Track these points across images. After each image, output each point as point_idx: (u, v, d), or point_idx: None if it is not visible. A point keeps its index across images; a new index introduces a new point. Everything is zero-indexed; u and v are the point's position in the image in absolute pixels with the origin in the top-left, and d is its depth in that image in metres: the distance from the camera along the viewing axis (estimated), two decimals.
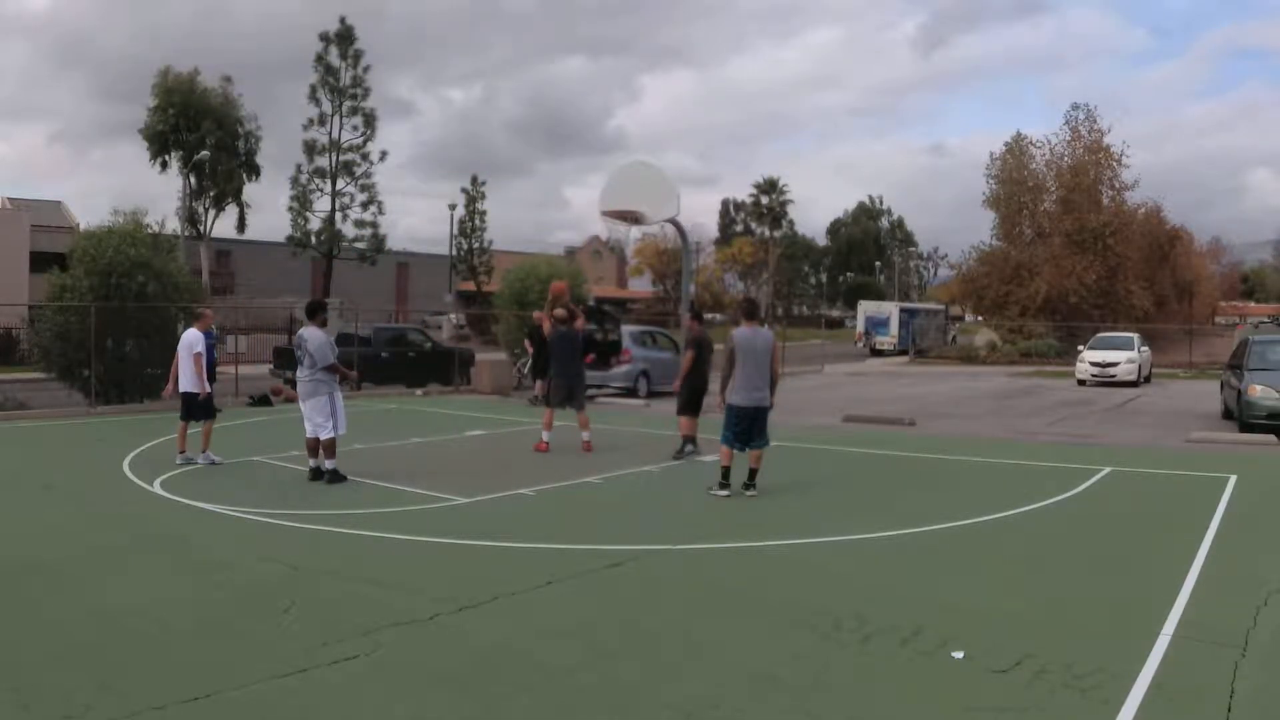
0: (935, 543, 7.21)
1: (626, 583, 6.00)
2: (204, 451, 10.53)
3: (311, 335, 9.35)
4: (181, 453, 10.45)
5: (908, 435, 14.24)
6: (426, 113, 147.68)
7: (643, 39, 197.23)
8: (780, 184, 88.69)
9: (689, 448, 11.56)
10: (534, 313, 17.48)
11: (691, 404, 11.68)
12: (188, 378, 10.54)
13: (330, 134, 49.20)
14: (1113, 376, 25.58)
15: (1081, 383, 26.02)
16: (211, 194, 46.47)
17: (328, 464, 9.25)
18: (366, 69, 49.71)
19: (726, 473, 8.96)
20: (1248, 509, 8.56)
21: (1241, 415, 14.57)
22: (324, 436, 9.26)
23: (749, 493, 8.88)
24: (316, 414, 9.30)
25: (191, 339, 10.69)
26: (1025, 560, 6.69)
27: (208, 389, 10.68)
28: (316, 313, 9.68)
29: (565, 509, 8.42)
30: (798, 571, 6.33)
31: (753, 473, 9.01)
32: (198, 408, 10.56)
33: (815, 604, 5.48)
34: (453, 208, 56.56)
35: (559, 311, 12.12)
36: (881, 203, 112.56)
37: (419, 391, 20.44)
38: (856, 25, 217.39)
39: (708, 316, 73.30)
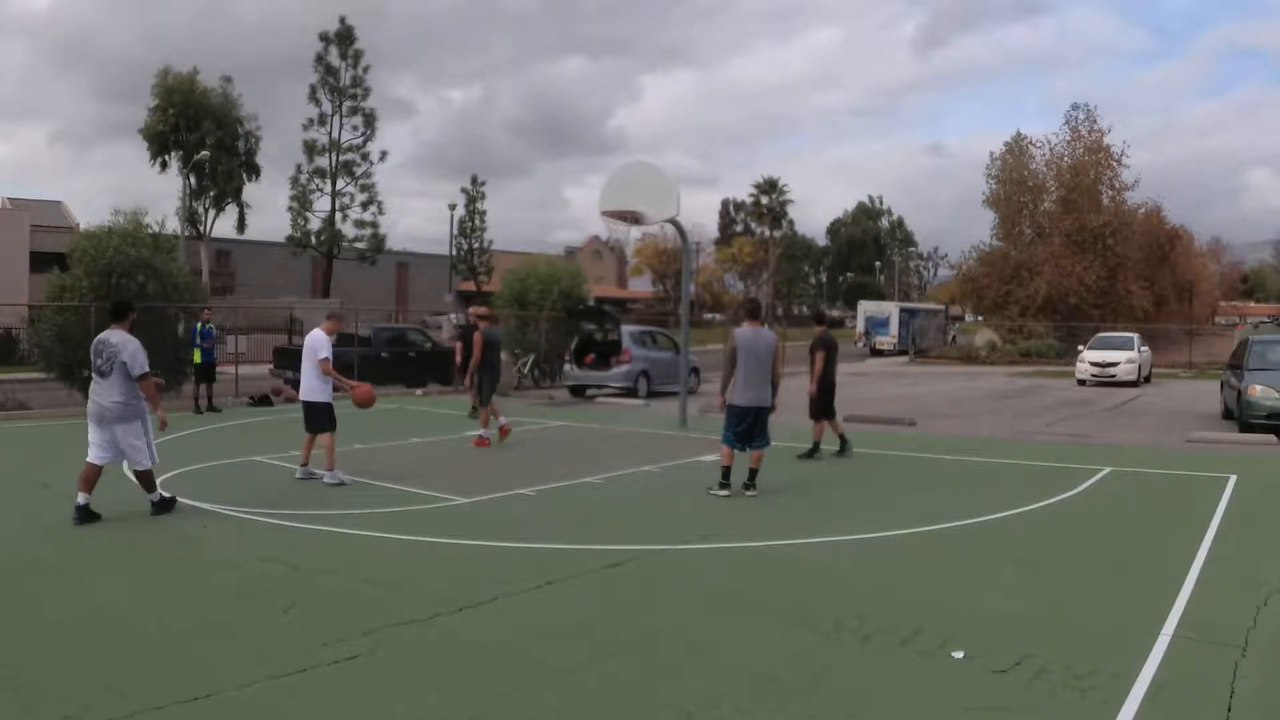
0: (935, 543, 7.21)
1: (626, 583, 6.00)
2: (330, 470, 9.32)
3: (125, 341, 7.55)
4: (303, 465, 9.54)
5: (908, 435, 14.24)
6: (426, 113, 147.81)
7: (643, 39, 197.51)
8: (780, 184, 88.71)
9: (849, 449, 11.70)
10: (471, 308, 16.65)
11: (826, 406, 11.73)
12: (312, 385, 9.47)
13: (330, 134, 49.27)
14: (1113, 376, 25.59)
15: (1081, 383, 26.02)
16: (211, 194, 46.50)
17: (157, 495, 7.77)
18: (366, 69, 49.81)
19: (727, 472, 8.96)
20: (1248, 509, 8.56)
21: (1241, 415, 14.57)
22: (142, 467, 7.64)
23: (749, 493, 8.89)
24: (132, 437, 7.54)
25: (317, 342, 9.51)
26: (1025, 560, 6.69)
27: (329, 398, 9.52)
28: (125, 313, 7.82)
29: (565, 509, 8.42)
30: (798, 571, 6.33)
31: (753, 473, 9.02)
32: (323, 418, 9.46)
33: (815, 604, 5.48)
34: (453, 208, 56.33)
35: (481, 309, 13.85)
36: (881, 203, 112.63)
37: (419, 391, 20.43)
38: (856, 25, 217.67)
39: (707, 317, 72.97)
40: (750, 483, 8.98)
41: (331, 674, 4.32)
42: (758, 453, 9.06)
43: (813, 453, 11.59)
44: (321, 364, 9.38)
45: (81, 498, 7.41)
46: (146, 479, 7.71)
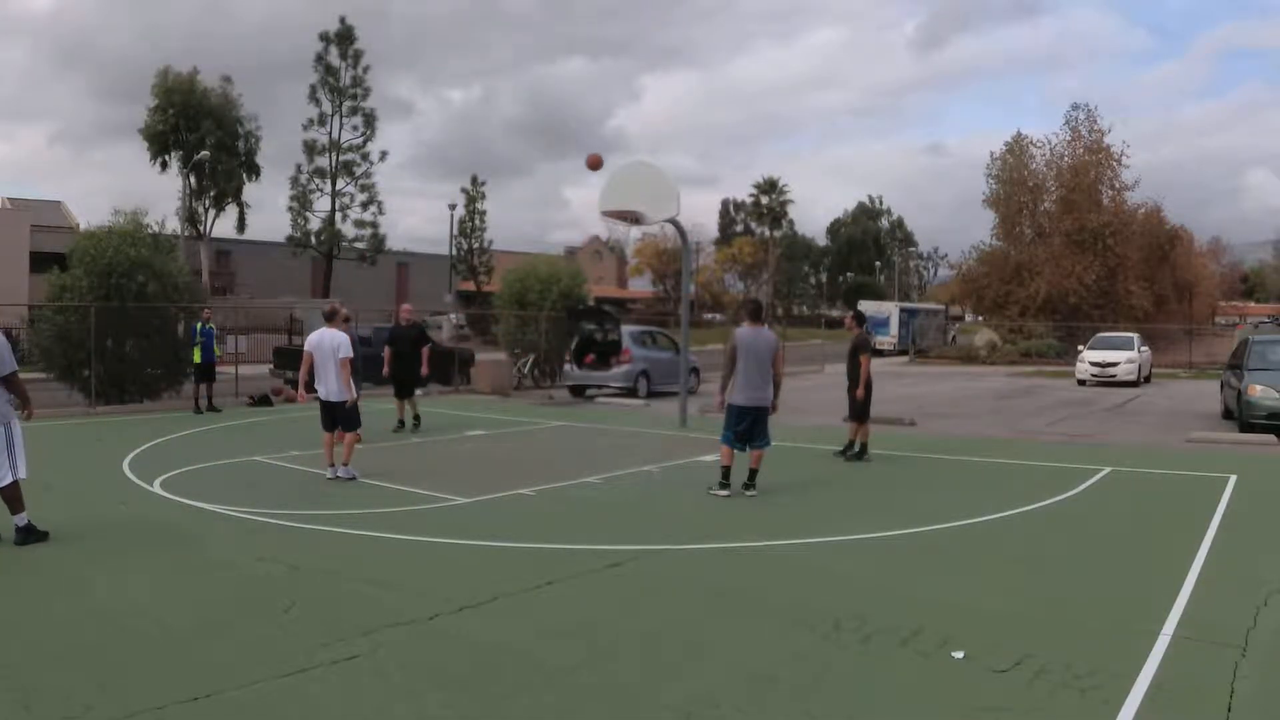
0: (935, 543, 7.21)
1: (626, 583, 6.00)
2: (345, 465, 9.45)
3: None
4: (330, 466, 9.50)
5: (908, 435, 14.24)
6: (426, 113, 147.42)
7: (643, 39, 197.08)
8: (780, 184, 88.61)
9: (867, 456, 11.41)
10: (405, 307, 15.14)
11: (866, 408, 11.50)
12: (338, 386, 9.45)
13: (330, 134, 49.29)
14: (1113, 376, 25.59)
15: (1081, 383, 26.02)
16: (211, 194, 46.51)
17: (20, 519, 6.73)
18: (366, 69, 49.83)
19: (727, 472, 8.96)
20: (1248, 509, 8.56)
21: (1241, 415, 14.57)
22: (4, 481, 6.70)
23: (749, 493, 8.89)
24: None
25: (340, 341, 9.46)
26: (1025, 560, 6.69)
27: (355, 395, 9.57)
28: None
29: (565, 509, 8.42)
30: (798, 571, 6.33)
31: (753, 473, 9.02)
32: (353, 417, 9.54)
33: (815, 604, 5.48)
34: (453, 208, 56.54)
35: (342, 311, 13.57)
36: (881, 203, 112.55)
37: (419, 391, 20.39)
38: (857, 26, 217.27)
39: (707, 317, 72.75)
40: (750, 483, 8.98)
41: (331, 674, 4.32)
42: (758, 452, 9.06)
43: (860, 454, 11.43)
44: (345, 363, 9.39)
45: (18, 518, 6.67)
46: (11, 496, 6.65)
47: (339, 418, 9.55)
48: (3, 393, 6.84)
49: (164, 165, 45.36)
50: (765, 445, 9.13)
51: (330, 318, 9.75)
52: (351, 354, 9.49)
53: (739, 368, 8.96)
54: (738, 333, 9.14)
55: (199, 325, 16.11)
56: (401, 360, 13.76)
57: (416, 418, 13.94)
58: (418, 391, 14.44)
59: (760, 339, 9.04)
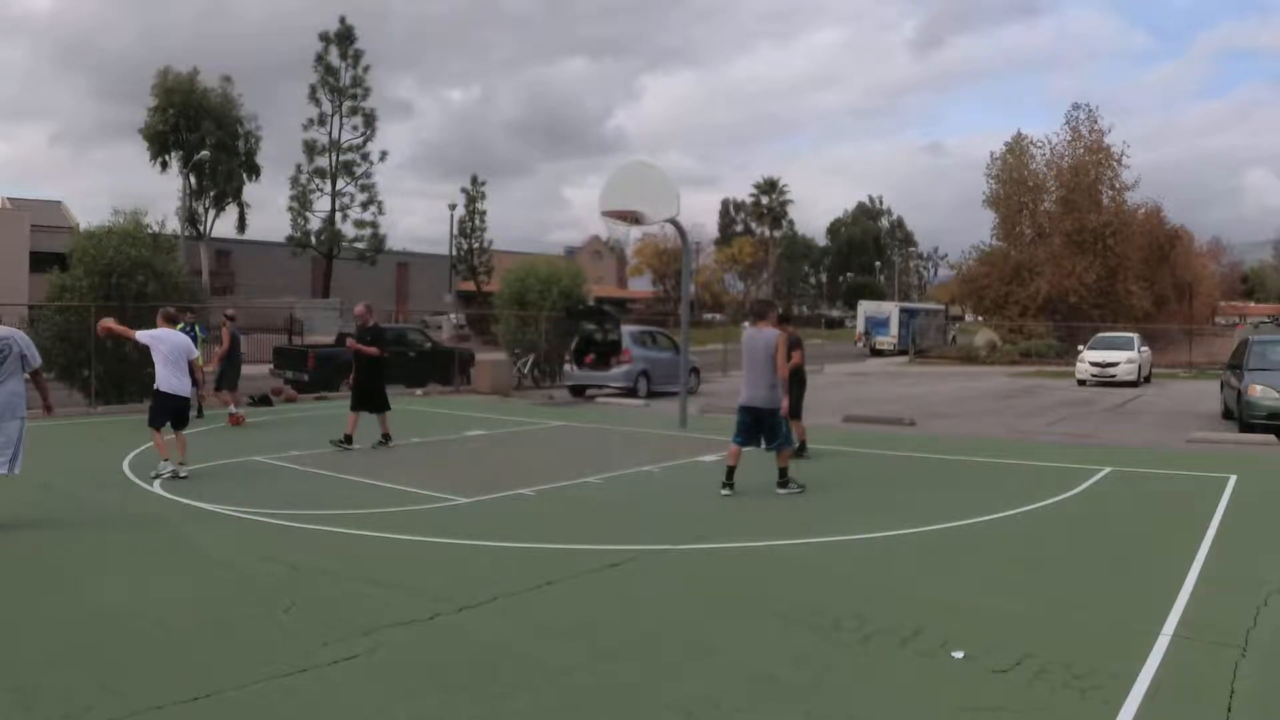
0: (935, 543, 7.21)
1: (626, 583, 6.00)
2: (172, 461, 9.34)
3: (15, 332, 6.98)
4: (165, 459, 9.32)
5: (908, 435, 14.24)
6: (426, 113, 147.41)
7: (643, 39, 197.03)
8: (780, 184, 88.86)
9: (806, 453, 11.40)
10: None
11: (797, 406, 11.43)
12: (179, 380, 9.41)
13: (330, 134, 49.38)
14: (1113, 376, 25.58)
15: (1081, 383, 26.02)
16: (211, 194, 46.60)
17: None
18: (366, 69, 49.93)
19: (730, 472, 9.00)
20: (1248, 509, 8.56)
21: (1241, 415, 14.58)
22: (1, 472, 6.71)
23: (780, 491, 8.96)
24: (7, 438, 6.84)
25: (189, 344, 9.63)
26: (1025, 560, 6.69)
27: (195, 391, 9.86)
28: None
29: (565, 509, 8.42)
30: (798, 571, 6.33)
31: (781, 471, 9.13)
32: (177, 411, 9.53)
33: (815, 604, 5.48)
34: (453, 208, 56.54)
35: (230, 310, 14.71)
36: (881, 203, 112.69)
37: (419, 391, 20.42)
38: (856, 26, 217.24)
39: (707, 317, 72.76)
40: (781, 482, 9.05)
41: (331, 674, 4.32)
42: (778, 453, 9.15)
43: (799, 452, 11.43)
44: (197, 363, 9.99)
45: None
46: None
47: (177, 414, 9.50)
48: (27, 388, 7.02)
49: (164, 165, 45.50)
50: (779, 446, 9.16)
51: (173, 320, 10.06)
52: (197, 355, 10.05)
53: (743, 368, 9.17)
54: (743, 333, 9.35)
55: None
56: (363, 369, 11.90)
57: (386, 436, 11.92)
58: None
59: (757, 339, 9.12)
